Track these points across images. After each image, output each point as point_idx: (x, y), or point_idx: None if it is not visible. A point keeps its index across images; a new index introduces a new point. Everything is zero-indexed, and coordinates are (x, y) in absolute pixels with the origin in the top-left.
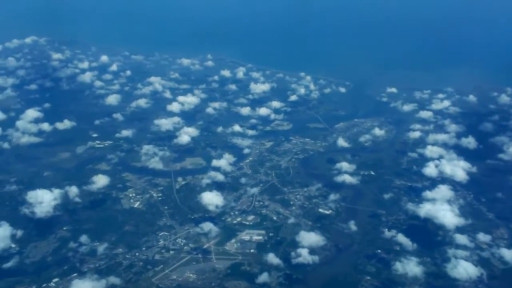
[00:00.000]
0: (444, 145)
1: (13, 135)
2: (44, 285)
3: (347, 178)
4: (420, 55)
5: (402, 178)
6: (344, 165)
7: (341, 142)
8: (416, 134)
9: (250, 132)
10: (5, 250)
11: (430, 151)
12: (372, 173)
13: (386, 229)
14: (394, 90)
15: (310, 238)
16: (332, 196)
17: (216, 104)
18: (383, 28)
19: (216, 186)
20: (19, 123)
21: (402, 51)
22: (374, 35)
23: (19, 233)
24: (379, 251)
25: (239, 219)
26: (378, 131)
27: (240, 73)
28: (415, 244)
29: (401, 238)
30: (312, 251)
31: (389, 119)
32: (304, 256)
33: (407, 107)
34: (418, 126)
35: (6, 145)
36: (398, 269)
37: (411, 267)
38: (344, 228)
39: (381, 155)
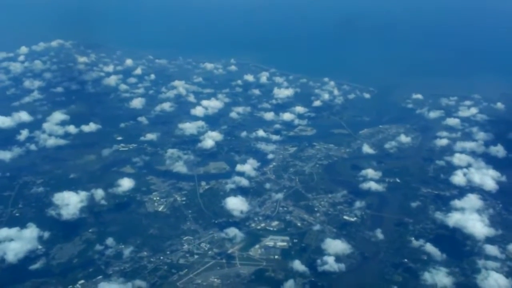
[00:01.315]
0: (472, 153)
1: (40, 137)
2: (70, 286)
3: (373, 185)
4: (446, 61)
5: (429, 186)
6: (370, 172)
7: (366, 149)
8: (443, 142)
9: (274, 137)
10: (32, 252)
11: (458, 159)
12: (398, 180)
13: (413, 238)
14: (419, 96)
15: (336, 245)
16: (358, 203)
17: (240, 109)
18: (408, 33)
19: (240, 191)
20: (46, 125)
21: (427, 57)
22: (399, 40)
23: (46, 234)
24: (406, 260)
25: (263, 224)
26: (404, 138)
27: (264, 77)
28: (444, 254)
29: (429, 247)
30: (337, 258)
31: (415, 125)
32: (330, 264)
33: (433, 114)
34: (445, 133)
35: (33, 147)
36: (427, 279)
37: (440, 277)
38: (370, 236)
39: (407, 162)
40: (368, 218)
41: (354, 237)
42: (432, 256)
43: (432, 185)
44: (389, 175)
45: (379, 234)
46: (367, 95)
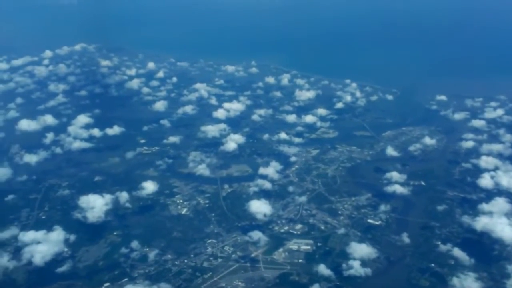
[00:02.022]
0: (499, 156)
1: (65, 140)
2: None
3: (398, 188)
4: (470, 61)
5: (455, 189)
6: (394, 175)
7: (390, 151)
8: (469, 144)
9: (296, 140)
10: (58, 254)
11: (485, 161)
12: (423, 183)
13: (440, 242)
14: (443, 97)
15: (361, 249)
16: (382, 207)
17: (262, 111)
18: (431, 33)
19: (263, 194)
20: (70, 129)
21: (451, 57)
22: (421, 40)
23: (72, 237)
24: (432, 264)
25: (286, 228)
26: (428, 140)
27: (285, 80)
28: (472, 258)
29: (457, 252)
30: (363, 263)
31: (440, 127)
32: (356, 268)
33: (458, 116)
34: (470, 135)
35: (58, 150)
36: (456, 285)
37: (469, 282)
38: (395, 240)
39: (432, 165)
40: (393, 222)
41: (379, 241)
42: (460, 261)
43: (458, 188)
44: (414, 178)
45: (405, 238)
46: (389, 97)
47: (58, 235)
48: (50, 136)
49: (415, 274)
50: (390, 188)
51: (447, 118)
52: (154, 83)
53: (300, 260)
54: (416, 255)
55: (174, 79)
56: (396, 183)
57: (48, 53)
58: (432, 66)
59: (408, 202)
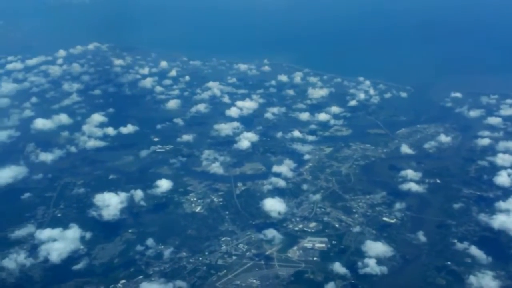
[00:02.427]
0: None
1: (79, 139)
2: (112, 286)
3: (413, 186)
4: (485, 58)
5: (471, 187)
6: (410, 173)
7: (405, 149)
8: (485, 141)
9: (310, 138)
10: (75, 252)
11: (501, 159)
12: (438, 181)
13: (456, 240)
14: (458, 95)
15: (377, 248)
16: (398, 205)
17: (275, 109)
18: (445, 29)
19: (277, 192)
20: (85, 127)
21: (466, 54)
22: (435, 37)
23: (88, 235)
24: (449, 263)
25: (300, 225)
26: (443, 138)
27: (297, 78)
28: (489, 257)
29: (474, 250)
30: (379, 261)
31: (455, 125)
32: (371, 266)
33: (473, 113)
34: (486, 132)
35: (73, 149)
36: (473, 283)
37: (487, 281)
38: (411, 238)
39: (447, 162)
40: (408, 220)
41: (394, 239)
42: (477, 259)
43: (474, 186)
44: (429, 176)
45: (421, 236)
46: (403, 94)
47: (74, 232)
48: (65, 135)
49: (431, 273)
50: (405, 186)
51: (462, 115)
52: (167, 82)
53: (314, 258)
54: (432, 253)
55: (187, 77)
56: (411, 181)
57: (61, 53)
58: (446, 63)
59: (423, 200)
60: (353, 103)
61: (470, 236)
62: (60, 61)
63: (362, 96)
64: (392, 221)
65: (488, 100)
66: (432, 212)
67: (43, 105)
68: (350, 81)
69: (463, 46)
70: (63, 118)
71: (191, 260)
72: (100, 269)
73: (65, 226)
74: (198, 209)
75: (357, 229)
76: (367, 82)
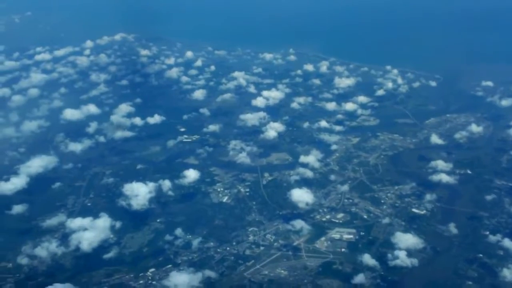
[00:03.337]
0: None
1: (108, 129)
2: (141, 274)
3: (444, 177)
4: None
5: (503, 178)
6: (440, 163)
7: (434, 139)
8: None
9: (337, 128)
10: (105, 241)
11: None
12: (469, 172)
13: (488, 232)
14: (489, 83)
15: (407, 239)
16: (428, 196)
17: (301, 99)
18: (476, 16)
19: (305, 182)
20: (113, 118)
21: (497, 41)
22: (465, 24)
23: (118, 224)
24: (481, 255)
25: (328, 216)
26: (474, 128)
27: (324, 67)
28: None
29: (507, 242)
30: (409, 253)
31: (486, 114)
32: (402, 258)
33: (505, 102)
34: None
35: (102, 139)
36: (507, 276)
37: None
38: (442, 230)
39: (478, 153)
40: (439, 212)
41: (424, 231)
42: (510, 252)
43: (506, 177)
44: (460, 166)
45: (452, 228)
46: (433, 83)
47: (104, 222)
48: (93, 125)
49: (462, 265)
50: (435, 177)
51: (493, 104)
52: (193, 71)
53: (343, 249)
54: (464, 245)
55: (212, 67)
56: (442, 171)
57: (89, 43)
58: (476, 51)
59: (454, 191)
60: (380, 92)
61: (503, 228)
62: (87, 51)
63: (390, 85)
64: (422, 212)
65: None
66: (463, 203)
67: (72, 96)
68: (377, 70)
69: (494, 33)
70: (92, 108)
71: (218, 250)
72: (129, 258)
73: (95, 216)
74: (225, 199)
75: (385, 220)
76: (395, 71)
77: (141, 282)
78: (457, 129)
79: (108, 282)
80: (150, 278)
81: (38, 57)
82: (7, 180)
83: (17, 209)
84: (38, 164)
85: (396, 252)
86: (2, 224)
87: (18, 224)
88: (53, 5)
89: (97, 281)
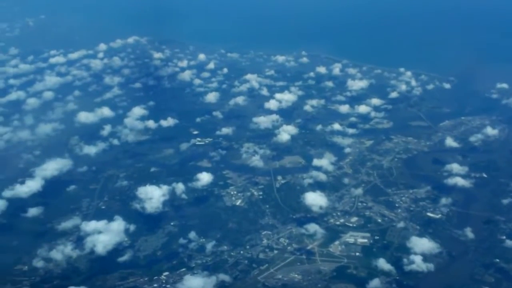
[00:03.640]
0: None
1: (122, 132)
2: (155, 277)
3: (459, 181)
4: None
5: None
6: (455, 167)
7: (449, 142)
8: None
9: (350, 131)
10: (119, 244)
11: None
12: (485, 175)
13: (505, 237)
14: (505, 85)
15: (423, 244)
16: (443, 200)
17: (314, 102)
18: (490, 17)
19: (318, 185)
20: (126, 121)
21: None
22: (480, 25)
23: (132, 227)
24: (497, 260)
25: (342, 220)
26: (490, 130)
27: (336, 69)
28: None
29: None
30: (424, 258)
31: (501, 117)
32: (418, 263)
33: None
34: None
35: (115, 142)
36: None
37: None
38: (458, 234)
39: (494, 156)
40: (454, 216)
41: (440, 235)
42: None
43: None
44: (476, 170)
45: (468, 233)
46: (447, 85)
47: (118, 225)
48: (107, 128)
49: (479, 270)
50: (450, 181)
51: (509, 107)
52: (205, 74)
53: (357, 254)
54: (480, 250)
55: (225, 70)
56: (457, 175)
57: (102, 46)
58: (491, 53)
59: (470, 195)
60: (394, 94)
61: None
62: (101, 54)
63: (403, 87)
64: (437, 216)
65: None
66: (479, 207)
67: (86, 99)
68: (391, 72)
69: (509, 34)
70: (106, 111)
71: (232, 253)
72: (144, 261)
73: (110, 218)
74: (238, 202)
75: (400, 224)
76: (408, 73)
77: (155, 285)
78: (472, 132)
79: (123, 285)
80: (164, 281)
81: (53, 60)
82: (22, 183)
83: (33, 212)
84: (53, 167)
85: (412, 257)
86: (17, 227)
87: (34, 227)
88: (66, 9)
89: (111, 284)
